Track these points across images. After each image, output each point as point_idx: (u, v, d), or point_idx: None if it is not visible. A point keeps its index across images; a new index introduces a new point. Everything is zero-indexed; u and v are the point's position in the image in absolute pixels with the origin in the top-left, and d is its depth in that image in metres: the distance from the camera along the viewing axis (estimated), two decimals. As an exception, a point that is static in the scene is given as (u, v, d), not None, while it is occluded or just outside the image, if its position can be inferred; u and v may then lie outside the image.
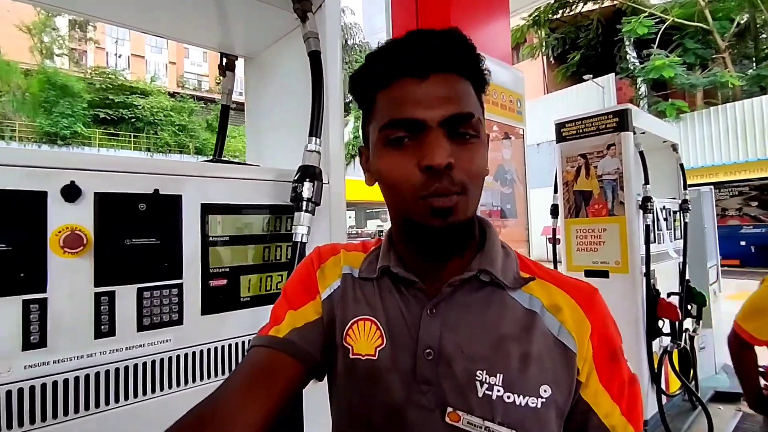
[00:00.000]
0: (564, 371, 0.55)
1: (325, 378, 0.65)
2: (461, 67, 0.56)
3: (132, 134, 22.32)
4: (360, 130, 0.66)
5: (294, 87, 1.28)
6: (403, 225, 0.59)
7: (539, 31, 16.15)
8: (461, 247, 0.60)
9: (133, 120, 22.63)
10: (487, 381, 0.53)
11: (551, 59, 17.49)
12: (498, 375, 0.53)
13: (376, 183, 0.62)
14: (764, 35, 14.12)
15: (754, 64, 14.17)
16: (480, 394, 0.53)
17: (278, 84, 1.38)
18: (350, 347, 0.60)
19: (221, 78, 1.45)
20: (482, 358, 0.54)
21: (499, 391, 0.52)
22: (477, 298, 0.59)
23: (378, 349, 0.58)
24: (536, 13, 14.96)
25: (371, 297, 0.62)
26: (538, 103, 15.63)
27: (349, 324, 0.61)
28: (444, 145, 0.52)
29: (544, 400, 0.53)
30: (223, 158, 1.40)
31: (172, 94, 25.45)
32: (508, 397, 0.52)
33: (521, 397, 0.52)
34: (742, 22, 14.03)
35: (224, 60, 1.42)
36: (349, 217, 20.18)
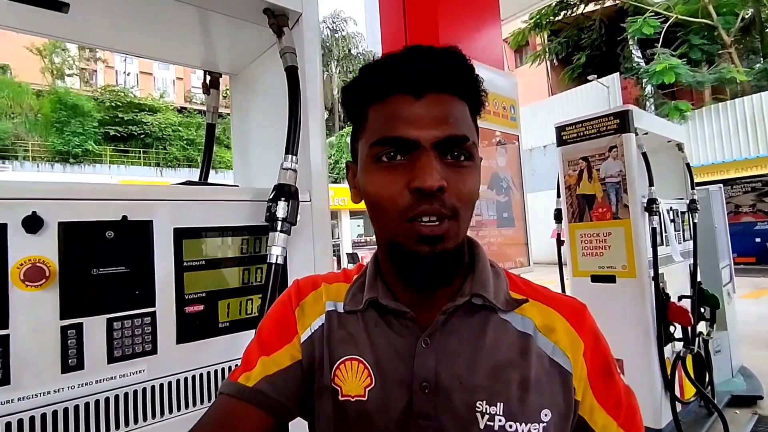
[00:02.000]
0: (561, 392, 0.54)
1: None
2: (459, 88, 0.54)
3: (141, 150, 22.66)
4: (349, 144, 0.63)
5: (278, 102, 1.25)
6: (389, 249, 0.57)
7: (541, 34, 16.11)
8: (451, 274, 0.57)
9: (142, 136, 23.01)
10: (488, 411, 0.51)
11: (554, 62, 17.41)
12: (498, 404, 0.52)
13: (362, 201, 0.59)
14: (771, 29, 13.92)
15: (762, 58, 13.96)
16: (481, 426, 0.51)
17: (263, 100, 1.36)
18: (339, 388, 0.56)
19: (206, 96, 1.44)
20: (482, 387, 0.53)
21: (500, 420, 0.51)
22: (471, 324, 0.57)
23: (367, 389, 0.55)
24: (537, 16, 14.91)
25: (357, 333, 0.59)
26: (542, 105, 15.55)
27: (336, 364, 0.57)
28: (436, 168, 0.50)
29: (545, 424, 0.51)
30: (207, 180, 1.38)
31: (180, 110, 25.84)
32: (510, 426, 0.51)
33: (523, 424, 0.51)
34: (746, 16, 13.85)
35: (208, 78, 1.41)
36: (357, 226, 20.19)
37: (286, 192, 0.95)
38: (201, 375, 0.89)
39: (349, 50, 33.51)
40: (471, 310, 0.57)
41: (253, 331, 0.82)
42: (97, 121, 21.52)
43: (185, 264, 0.88)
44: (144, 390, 0.82)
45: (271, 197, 0.96)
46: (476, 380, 0.53)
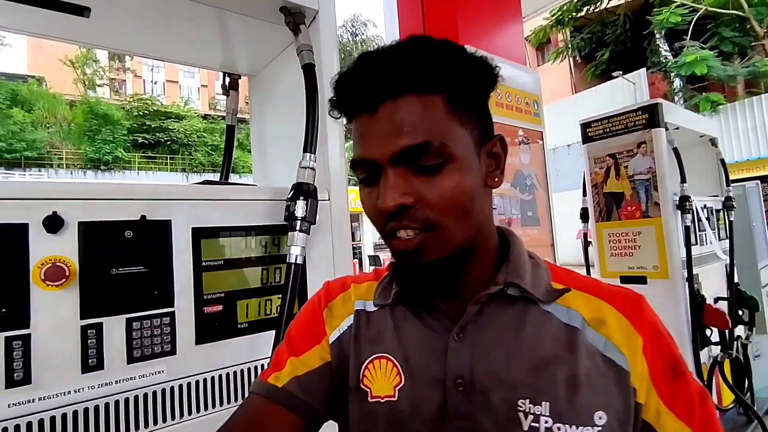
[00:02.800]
0: (618, 393, 0.48)
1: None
2: (417, 84, 0.48)
3: (168, 156, 23.28)
4: None
5: (297, 102, 1.24)
6: None
7: (564, 31, 15.79)
8: (452, 281, 0.55)
9: (168, 143, 23.65)
10: (532, 411, 0.47)
11: (577, 59, 17.06)
12: (544, 403, 0.47)
13: None
14: (808, 18, 13.28)
15: (799, 49, 13.33)
16: (525, 427, 0.47)
17: (281, 99, 1.36)
18: (368, 390, 0.54)
19: (225, 98, 1.44)
20: (524, 384, 0.48)
21: (547, 422, 0.46)
22: (508, 315, 0.53)
23: (397, 388, 0.53)
24: (559, 13, 14.63)
25: (385, 330, 0.57)
26: (566, 104, 15.23)
27: (365, 364, 0.56)
28: (393, 186, 0.47)
29: (600, 428, 0.46)
30: (229, 180, 1.38)
31: (205, 116, 26.42)
32: (558, 429, 0.46)
33: (573, 427, 0.46)
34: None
35: (227, 79, 1.42)
36: (379, 228, 20.14)
37: (304, 191, 0.94)
38: (220, 376, 0.88)
39: (369, 54, 33.59)
40: (507, 301, 0.53)
41: (273, 332, 0.81)
42: (126, 129, 22.25)
43: (203, 264, 0.87)
44: (163, 391, 0.81)
45: (289, 196, 0.94)
46: (517, 376, 0.49)
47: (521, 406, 0.47)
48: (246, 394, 0.90)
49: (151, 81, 28.71)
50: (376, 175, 0.50)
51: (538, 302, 0.53)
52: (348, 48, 33.43)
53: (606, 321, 0.51)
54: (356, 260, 15.97)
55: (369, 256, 17.06)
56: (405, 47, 0.50)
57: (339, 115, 0.54)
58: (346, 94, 0.51)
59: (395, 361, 0.54)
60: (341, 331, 0.60)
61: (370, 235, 18.16)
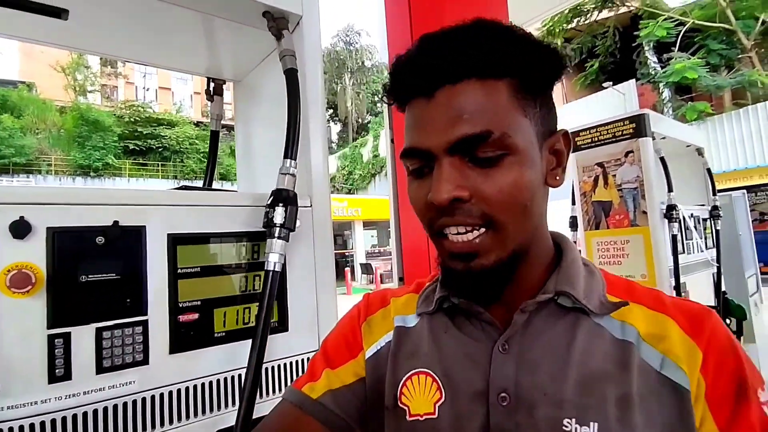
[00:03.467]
0: (676, 416, 0.44)
1: None
2: (482, 68, 0.44)
3: (160, 163, 23.15)
4: None
5: (281, 107, 1.22)
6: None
7: (555, 42, 16.00)
8: (501, 286, 0.50)
9: (160, 149, 23.56)
10: (579, 431, 0.44)
11: (569, 69, 17.27)
12: (592, 424, 0.43)
13: None
14: (793, 32, 13.58)
15: (784, 61, 13.62)
16: None
17: (266, 105, 1.35)
18: (406, 408, 0.52)
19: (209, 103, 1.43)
20: (570, 402, 0.45)
21: None
22: (557, 327, 0.50)
23: (437, 404, 0.50)
24: (550, 23, 14.85)
25: (424, 344, 0.54)
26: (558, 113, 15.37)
27: (402, 381, 0.53)
28: (448, 178, 0.44)
29: None
30: (212, 186, 1.37)
31: (197, 123, 26.33)
32: None
33: None
34: (767, 20, 13.56)
35: (211, 85, 1.40)
36: (371, 236, 20.18)
37: (284, 197, 0.92)
38: (195, 386, 0.85)
39: (363, 62, 33.86)
40: (557, 312, 0.50)
41: (249, 340, 0.79)
42: (117, 135, 22.14)
43: (180, 271, 0.85)
44: (134, 402, 0.78)
45: (268, 203, 0.93)
46: (564, 393, 0.46)
47: (567, 426, 0.44)
48: (223, 405, 0.88)
49: (144, 87, 28.61)
50: (428, 167, 0.47)
51: (591, 314, 0.49)
52: (342, 56, 33.62)
53: (666, 336, 0.47)
54: (348, 267, 15.91)
55: (361, 264, 17.00)
56: (469, 29, 0.46)
57: (392, 101, 0.51)
58: (401, 77, 0.48)
59: (435, 376, 0.51)
60: (379, 347, 0.58)
61: (362, 242, 18.14)
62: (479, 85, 0.45)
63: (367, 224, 18.58)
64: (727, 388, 0.44)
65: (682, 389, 0.44)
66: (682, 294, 2.48)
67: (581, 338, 0.48)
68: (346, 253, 19.04)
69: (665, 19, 13.25)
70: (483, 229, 0.45)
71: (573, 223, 2.90)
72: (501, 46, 0.45)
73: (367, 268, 16.26)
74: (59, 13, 0.96)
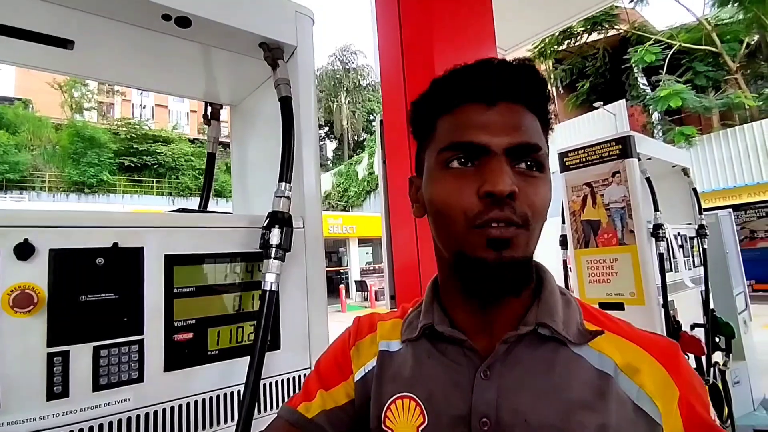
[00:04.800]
0: None
1: None
2: (531, 100, 0.53)
3: (155, 180, 23.15)
4: (414, 160, 0.63)
5: (276, 131, 1.27)
6: (453, 260, 0.53)
7: (546, 62, 16.36)
8: (517, 288, 0.52)
9: (156, 166, 23.59)
10: None
11: (560, 89, 17.61)
12: None
13: (425, 215, 0.58)
14: (777, 54, 13.98)
15: (769, 83, 13.98)
16: None
17: (261, 129, 1.40)
18: (390, 431, 0.54)
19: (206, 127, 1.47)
20: (549, 428, 0.47)
21: None
22: (537, 356, 0.52)
23: (420, 428, 0.52)
24: (541, 45, 15.20)
25: (407, 369, 0.57)
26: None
27: (387, 405, 0.55)
28: (508, 173, 0.49)
29: None
30: (206, 208, 1.40)
31: (193, 140, 26.44)
32: None
33: None
34: (752, 42, 13.96)
35: (209, 109, 1.45)
36: (366, 253, 20.14)
37: (279, 219, 0.96)
38: (189, 404, 0.87)
39: (359, 82, 34.34)
40: (537, 342, 0.53)
41: (243, 358, 0.82)
42: (113, 152, 22.18)
43: (175, 291, 0.88)
44: (129, 419, 0.81)
45: (265, 224, 0.97)
46: (543, 420, 0.47)
47: None
48: (215, 423, 0.90)
49: (140, 105, 28.79)
50: (474, 163, 0.51)
51: (569, 344, 0.52)
52: (338, 76, 34.10)
53: (640, 369, 0.50)
54: (343, 285, 15.85)
55: (356, 282, 16.95)
56: (522, 66, 0.53)
57: (440, 100, 0.55)
58: (462, 83, 0.53)
59: (418, 401, 0.53)
60: (366, 371, 0.61)
61: (357, 260, 18.10)
62: (527, 111, 0.53)
63: (362, 241, 18.57)
64: (700, 422, 0.48)
65: (654, 423, 0.47)
66: (671, 312, 2.51)
67: (560, 367, 0.51)
68: (341, 270, 18.99)
69: (653, 43, 13.61)
70: (520, 228, 0.49)
71: (563, 242, 2.95)
72: (542, 89, 0.54)
73: (361, 286, 16.20)
74: (65, 43, 1.01)
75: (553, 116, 0.57)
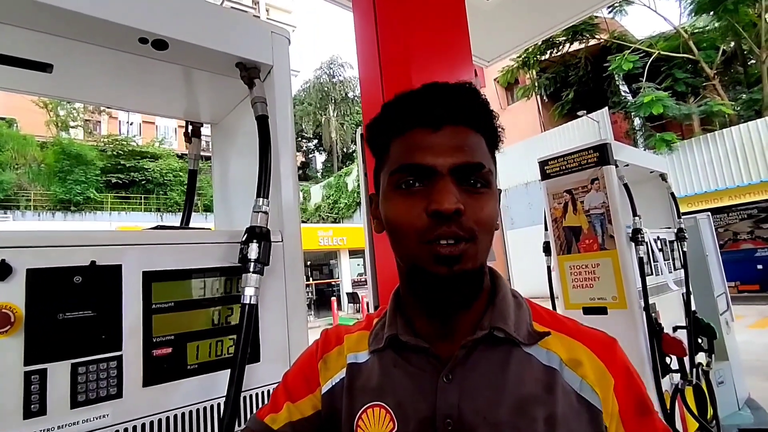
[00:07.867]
0: (591, 431, 0.52)
1: None
2: (473, 121, 0.57)
3: (143, 196, 22.93)
4: (372, 177, 0.68)
5: (255, 148, 1.31)
6: (409, 273, 0.59)
7: (530, 72, 16.67)
8: (470, 297, 0.58)
9: (143, 182, 23.38)
10: None
11: (544, 98, 17.92)
12: None
13: (384, 230, 0.62)
14: (753, 61, 14.40)
15: (746, 89, 14.36)
16: None
17: (241, 146, 1.42)
18: None
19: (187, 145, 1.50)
20: (506, 424, 0.52)
21: None
22: (493, 358, 0.57)
23: None
24: (524, 55, 15.49)
25: (376, 379, 0.60)
26: (534, 141, 15.87)
27: (358, 414, 0.58)
28: (453, 191, 0.52)
29: None
30: (189, 225, 1.42)
31: (181, 156, 26.29)
32: None
33: None
34: (728, 50, 14.37)
35: (190, 127, 1.48)
36: (358, 265, 20.07)
37: (257, 234, 0.98)
38: (168, 418, 0.89)
39: (346, 94, 34.57)
40: (492, 344, 0.57)
41: (223, 371, 0.84)
42: (100, 169, 21.94)
43: (154, 306, 0.90)
44: (108, 435, 0.82)
45: (243, 239, 0.99)
46: (500, 416, 0.52)
47: None
48: (196, 437, 0.91)
49: (127, 122, 28.62)
50: (423, 183, 0.55)
51: (521, 345, 0.57)
52: (326, 88, 34.30)
53: (582, 362, 0.55)
54: (335, 297, 15.76)
55: (347, 294, 16.86)
56: (463, 90, 0.57)
57: (391, 124, 0.59)
58: (409, 110, 0.57)
59: (388, 408, 0.57)
60: (333, 383, 0.63)
61: (348, 272, 18.03)
62: (472, 132, 0.56)
63: (353, 253, 18.52)
64: (635, 406, 0.55)
65: (595, 409, 0.53)
66: (653, 314, 2.56)
67: (513, 367, 0.56)
68: (333, 283, 18.89)
69: (632, 51, 13.95)
70: (468, 242, 0.53)
71: (546, 248, 3.00)
72: (484, 109, 0.58)
73: (353, 297, 16.11)
74: (44, 67, 1.03)
75: (501, 130, 0.60)
